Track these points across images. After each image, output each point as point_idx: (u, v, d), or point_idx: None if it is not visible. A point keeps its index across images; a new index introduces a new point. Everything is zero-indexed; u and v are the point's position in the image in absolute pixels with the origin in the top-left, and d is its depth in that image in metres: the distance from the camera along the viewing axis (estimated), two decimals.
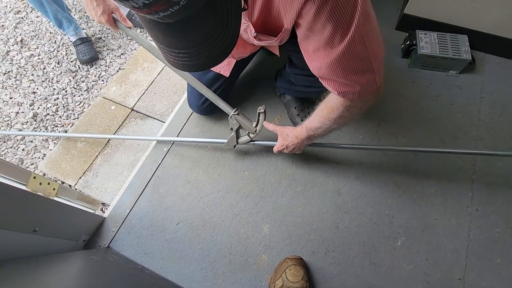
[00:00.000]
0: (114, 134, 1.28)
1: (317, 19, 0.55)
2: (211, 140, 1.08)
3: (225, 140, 1.03)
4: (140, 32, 1.65)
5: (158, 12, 0.33)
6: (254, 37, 0.73)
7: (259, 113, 0.94)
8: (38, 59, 1.55)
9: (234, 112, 0.93)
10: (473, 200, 0.99)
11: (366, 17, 0.54)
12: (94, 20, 0.85)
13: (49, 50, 1.57)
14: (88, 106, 1.40)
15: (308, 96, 1.11)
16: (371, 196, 1.02)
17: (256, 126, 0.95)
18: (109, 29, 1.65)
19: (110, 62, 1.54)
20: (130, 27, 0.85)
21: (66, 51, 1.57)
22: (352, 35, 0.54)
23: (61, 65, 1.53)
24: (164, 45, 0.43)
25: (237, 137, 1.01)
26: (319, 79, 0.68)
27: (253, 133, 0.97)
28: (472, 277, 0.89)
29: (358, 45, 0.56)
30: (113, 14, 0.84)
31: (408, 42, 1.24)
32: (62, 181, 1.20)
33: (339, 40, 0.56)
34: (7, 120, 1.37)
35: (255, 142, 1.01)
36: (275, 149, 0.98)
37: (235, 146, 1.03)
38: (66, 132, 1.32)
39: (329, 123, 0.74)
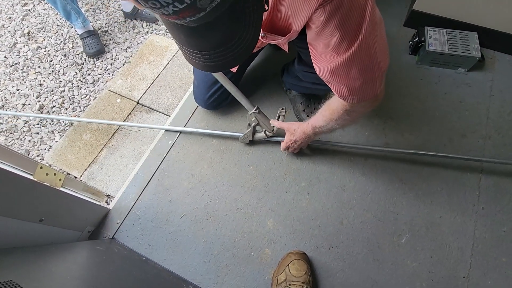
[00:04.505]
0: (119, 127, 1.28)
1: (326, 26, 0.56)
2: (226, 133, 1.10)
3: (239, 134, 1.05)
4: (147, 25, 1.65)
5: (185, 18, 0.34)
6: (261, 37, 0.73)
7: (279, 115, 0.96)
8: (45, 51, 1.55)
9: (255, 110, 0.93)
10: (480, 198, 0.98)
11: (373, 27, 0.56)
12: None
13: (55, 43, 1.58)
14: (94, 99, 1.41)
15: (315, 92, 1.11)
16: (376, 192, 1.01)
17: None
18: (115, 22, 1.65)
19: (116, 55, 1.54)
20: None
21: (73, 43, 1.58)
22: (358, 45, 0.56)
23: (68, 57, 1.53)
24: (186, 46, 0.43)
25: (253, 133, 1.03)
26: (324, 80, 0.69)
27: (270, 132, 0.99)
28: (477, 275, 0.89)
29: (363, 54, 0.58)
30: None
31: (417, 39, 1.22)
32: (67, 173, 1.20)
33: (346, 48, 0.57)
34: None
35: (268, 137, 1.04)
36: (282, 146, 1.00)
37: (249, 141, 1.06)
38: (72, 124, 1.32)
39: (332, 123, 0.78)
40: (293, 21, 0.63)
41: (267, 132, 1.00)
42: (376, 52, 0.59)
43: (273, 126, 0.97)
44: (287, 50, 0.87)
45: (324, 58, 0.63)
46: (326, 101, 0.78)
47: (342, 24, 0.54)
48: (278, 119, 0.96)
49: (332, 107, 0.75)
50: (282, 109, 0.95)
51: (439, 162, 1.04)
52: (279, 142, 1.02)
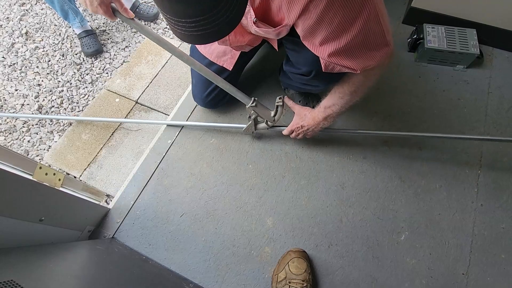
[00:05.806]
0: (118, 127, 1.29)
1: (328, 9, 0.56)
2: (229, 125, 1.10)
3: (242, 125, 1.04)
4: (145, 24, 1.64)
5: None
6: (254, 23, 0.72)
7: (277, 106, 0.95)
8: (43, 51, 1.55)
9: (252, 103, 0.92)
10: (479, 195, 0.98)
11: None
12: (89, 10, 0.74)
13: (53, 43, 1.57)
14: (92, 99, 1.41)
15: (308, 91, 1.11)
16: (375, 190, 1.01)
17: (275, 116, 0.96)
18: (113, 21, 1.64)
19: (115, 55, 1.54)
20: (132, 18, 0.79)
21: (71, 43, 1.57)
22: (367, 14, 0.57)
23: (66, 57, 1.53)
24: (171, 14, 0.43)
25: (255, 123, 1.03)
26: (335, 66, 0.69)
27: (271, 122, 0.98)
28: (476, 272, 0.89)
29: (374, 23, 0.59)
30: (112, 4, 0.72)
31: (415, 36, 1.22)
32: (67, 173, 1.20)
33: (352, 20, 0.58)
34: (13, 112, 1.37)
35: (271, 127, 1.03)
36: (285, 131, 0.99)
37: (253, 132, 1.06)
38: (71, 124, 1.32)
39: (348, 97, 0.77)
40: (286, 13, 0.62)
41: (268, 123, 1.00)
42: (383, 17, 0.60)
43: (274, 116, 0.96)
44: (276, 48, 0.87)
45: (333, 43, 0.63)
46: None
47: (347, 2, 0.55)
48: (277, 110, 0.95)
49: (351, 79, 0.74)
50: (280, 98, 0.93)
51: (438, 159, 1.05)
52: (280, 137, 1.02)
